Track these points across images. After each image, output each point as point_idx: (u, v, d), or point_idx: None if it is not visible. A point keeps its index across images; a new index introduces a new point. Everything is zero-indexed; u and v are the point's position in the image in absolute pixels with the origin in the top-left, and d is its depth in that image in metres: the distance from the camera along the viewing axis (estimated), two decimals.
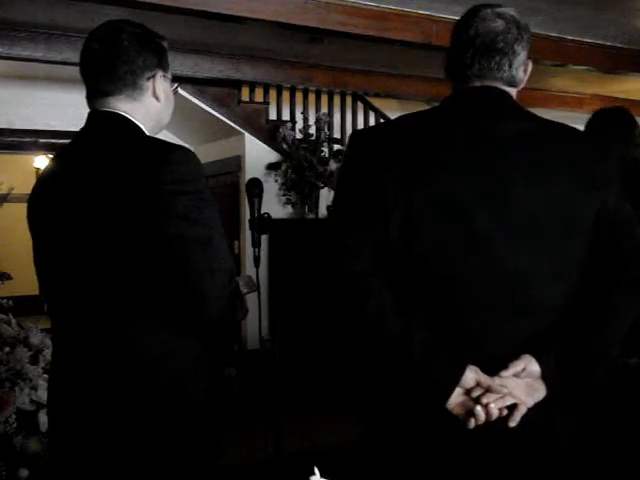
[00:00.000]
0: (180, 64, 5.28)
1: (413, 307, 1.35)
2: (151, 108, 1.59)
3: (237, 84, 5.89)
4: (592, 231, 1.40)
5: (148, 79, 1.57)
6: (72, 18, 4.41)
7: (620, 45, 5.41)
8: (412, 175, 1.35)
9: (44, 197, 1.57)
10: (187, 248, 1.39)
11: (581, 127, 2.07)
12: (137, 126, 1.56)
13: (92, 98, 1.57)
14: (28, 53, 4.82)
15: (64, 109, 5.58)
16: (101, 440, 1.46)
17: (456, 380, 1.31)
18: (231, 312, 1.47)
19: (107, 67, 1.53)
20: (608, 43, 5.36)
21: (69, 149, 1.59)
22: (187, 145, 7.37)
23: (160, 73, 1.59)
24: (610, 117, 2.63)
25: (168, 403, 1.45)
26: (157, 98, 1.59)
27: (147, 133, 1.57)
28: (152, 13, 3.88)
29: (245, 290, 1.70)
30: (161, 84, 1.59)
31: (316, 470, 1.00)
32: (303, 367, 5.05)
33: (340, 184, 1.52)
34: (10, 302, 2.95)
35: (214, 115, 5.88)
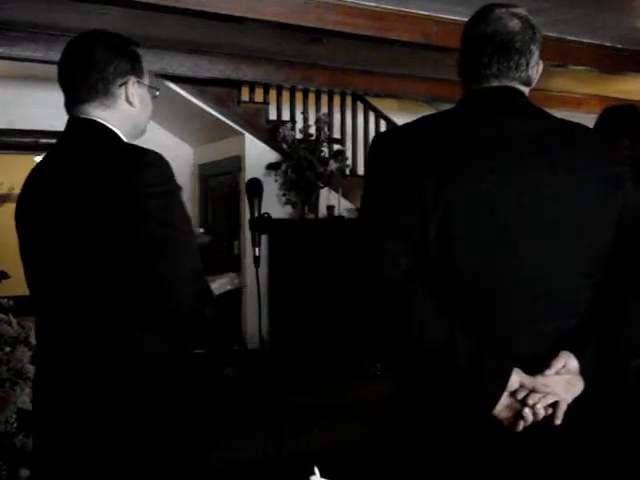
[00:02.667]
0: (180, 64, 5.26)
1: (451, 313, 1.34)
2: (126, 114, 1.63)
3: (237, 84, 5.88)
4: (615, 228, 1.41)
5: (120, 86, 1.61)
6: (72, 18, 4.40)
7: (620, 45, 5.41)
8: (449, 179, 1.34)
9: (27, 201, 1.61)
10: (156, 248, 1.44)
11: None
12: (112, 132, 1.60)
13: (69, 105, 1.64)
14: (28, 53, 4.82)
15: (64, 109, 5.55)
16: (83, 439, 1.48)
17: (503, 386, 1.31)
18: (198, 309, 1.51)
19: (80, 76, 1.60)
20: (608, 43, 5.35)
21: (50, 154, 1.63)
22: (187, 145, 7.34)
23: (133, 79, 1.62)
24: (621, 114, 2.63)
25: (148, 401, 1.48)
26: (131, 104, 1.63)
27: (124, 138, 1.61)
28: (151, 13, 3.87)
29: (229, 287, 1.73)
30: (135, 90, 1.63)
31: (316, 470, 0.99)
32: (303, 366, 5.05)
33: (371, 189, 1.46)
34: (10, 302, 2.95)
35: (214, 115, 5.87)
